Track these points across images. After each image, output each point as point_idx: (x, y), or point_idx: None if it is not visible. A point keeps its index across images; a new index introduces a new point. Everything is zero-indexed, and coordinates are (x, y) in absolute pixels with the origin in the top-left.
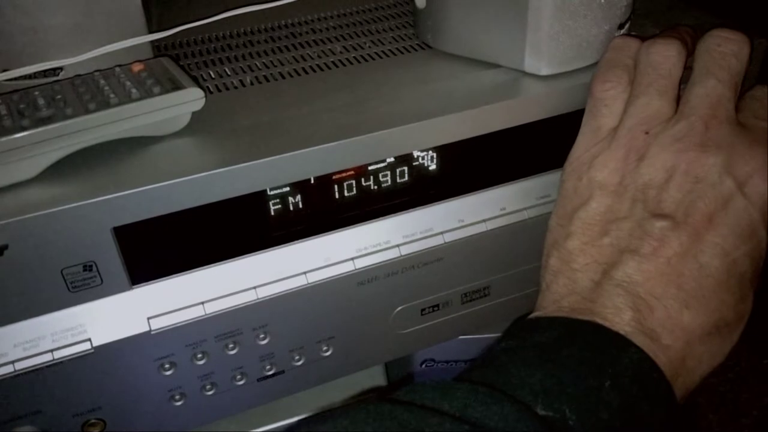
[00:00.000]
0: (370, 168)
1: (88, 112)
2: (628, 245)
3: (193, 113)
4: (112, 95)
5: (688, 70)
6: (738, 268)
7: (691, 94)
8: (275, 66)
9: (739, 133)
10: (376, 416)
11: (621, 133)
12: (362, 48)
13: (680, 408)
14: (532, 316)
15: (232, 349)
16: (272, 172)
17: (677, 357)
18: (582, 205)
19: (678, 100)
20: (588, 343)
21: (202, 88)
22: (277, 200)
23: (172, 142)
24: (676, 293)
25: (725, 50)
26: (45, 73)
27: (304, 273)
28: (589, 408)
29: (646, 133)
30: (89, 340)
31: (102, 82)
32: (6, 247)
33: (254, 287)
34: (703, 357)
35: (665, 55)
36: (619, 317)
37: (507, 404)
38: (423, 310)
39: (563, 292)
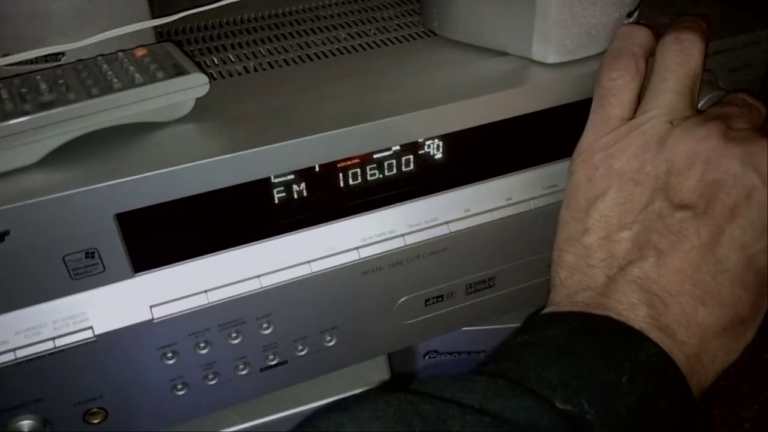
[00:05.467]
0: (375, 156)
1: (90, 97)
2: (648, 240)
3: (197, 99)
4: (115, 80)
5: None
6: (756, 263)
7: (723, 99)
8: (279, 53)
9: (759, 132)
10: (397, 407)
11: (641, 121)
12: (367, 35)
13: (697, 404)
14: (546, 310)
15: (235, 338)
16: (276, 160)
17: (693, 353)
18: (600, 196)
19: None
20: (605, 337)
21: (205, 74)
22: (282, 188)
23: (176, 128)
24: (692, 290)
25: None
26: (47, 58)
27: (308, 262)
28: (608, 402)
29: (670, 123)
30: (91, 328)
31: (105, 67)
32: (7, 233)
33: (258, 276)
34: (717, 353)
35: (691, 53)
36: (633, 313)
37: (527, 397)
38: (427, 300)
39: (577, 287)
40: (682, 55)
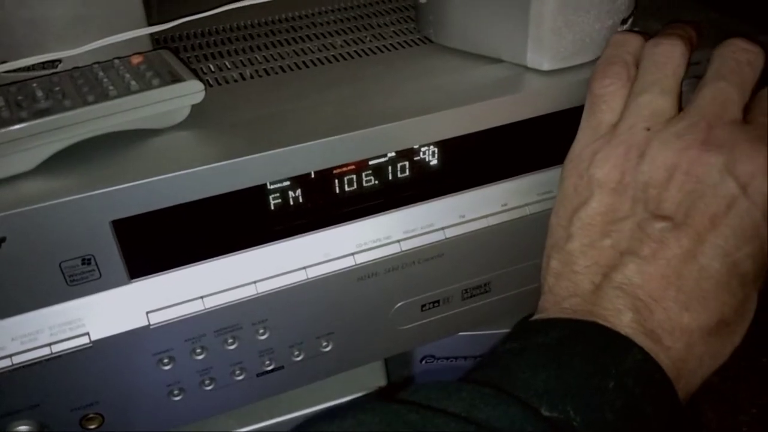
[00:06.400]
0: (370, 163)
1: (86, 104)
2: (629, 247)
3: (193, 106)
4: (111, 87)
5: (691, 66)
6: (739, 269)
7: (699, 95)
8: (275, 59)
9: (742, 131)
10: (382, 416)
11: (622, 130)
12: (363, 42)
13: (683, 409)
14: (534, 317)
15: (232, 344)
16: (272, 166)
17: (679, 358)
18: (582, 205)
19: (680, 99)
20: (591, 344)
21: (201, 81)
22: (277, 194)
23: (172, 135)
24: (676, 295)
25: (740, 58)
26: (43, 65)
27: (304, 268)
28: (594, 409)
29: (648, 129)
30: (87, 334)
31: (101, 74)
32: (3, 239)
33: (254, 282)
34: (704, 358)
35: (670, 54)
36: (619, 319)
37: (513, 405)
38: (423, 305)
39: (564, 294)
40: (660, 58)
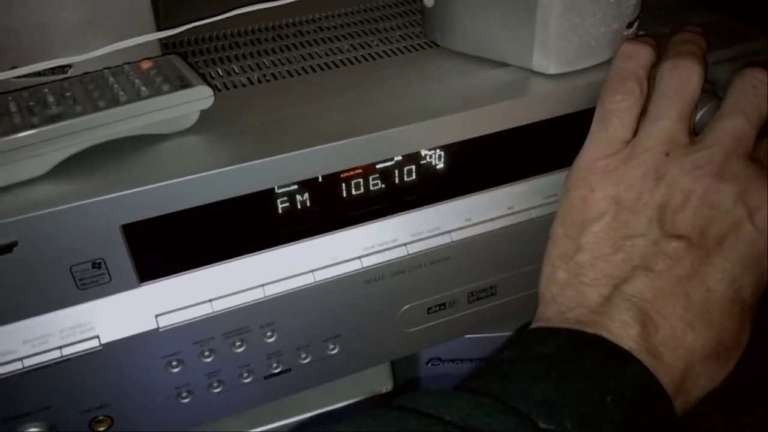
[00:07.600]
0: (377, 166)
1: (97, 109)
2: (642, 262)
3: (202, 111)
4: (121, 93)
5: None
6: (741, 295)
7: (718, 125)
8: (282, 64)
9: (754, 167)
10: (381, 422)
11: (639, 151)
12: (369, 46)
13: (680, 425)
14: (535, 326)
15: (240, 346)
16: (280, 171)
17: (678, 376)
18: (595, 219)
19: (693, 118)
20: (592, 356)
21: (210, 86)
22: (285, 198)
23: (181, 140)
24: (683, 314)
25: (759, 93)
26: (53, 71)
27: (312, 271)
28: (591, 422)
29: (667, 154)
30: (97, 337)
31: (111, 79)
32: (15, 243)
33: (262, 285)
34: (699, 379)
35: (688, 78)
36: (625, 332)
37: (510, 416)
38: (429, 308)
39: (570, 304)
40: (679, 82)
